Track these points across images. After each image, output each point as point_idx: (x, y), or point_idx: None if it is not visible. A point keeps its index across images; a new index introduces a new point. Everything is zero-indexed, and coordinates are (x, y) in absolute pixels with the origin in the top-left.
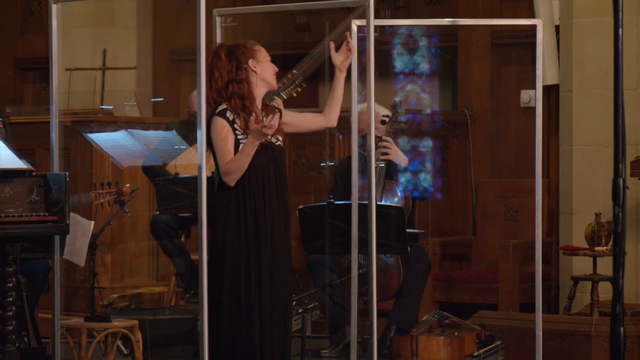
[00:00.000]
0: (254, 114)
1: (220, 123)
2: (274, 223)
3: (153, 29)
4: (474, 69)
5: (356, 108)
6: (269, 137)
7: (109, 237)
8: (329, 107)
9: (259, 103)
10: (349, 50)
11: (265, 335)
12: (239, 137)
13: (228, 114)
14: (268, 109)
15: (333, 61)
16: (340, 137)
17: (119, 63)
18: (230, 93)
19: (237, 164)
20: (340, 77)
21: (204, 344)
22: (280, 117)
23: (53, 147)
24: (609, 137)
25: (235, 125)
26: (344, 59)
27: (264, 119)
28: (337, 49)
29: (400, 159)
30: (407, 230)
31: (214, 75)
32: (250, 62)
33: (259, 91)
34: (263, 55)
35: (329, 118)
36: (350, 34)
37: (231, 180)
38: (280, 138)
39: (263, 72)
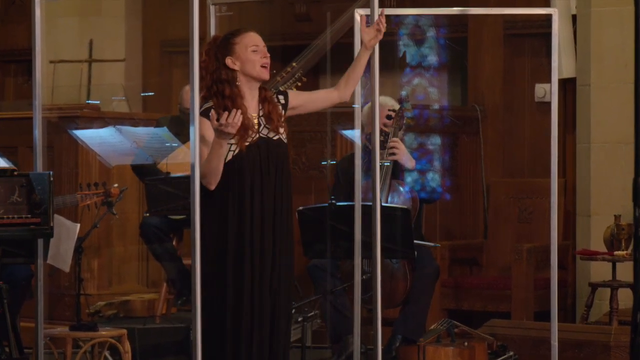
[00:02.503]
0: (212, 112)
1: (201, 123)
2: (263, 224)
3: (143, 19)
4: (485, 61)
5: (360, 103)
6: (264, 133)
7: (95, 241)
8: (346, 81)
9: (251, 99)
10: (379, 30)
11: (243, 344)
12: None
13: (212, 113)
14: (266, 102)
15: (361, 37)
16: (347, 134)
17: (106, 55)
18: (214, 92)
19: (208, 166)
20: (364, 55)
21: (197, 355)
22: (286, 106)
23: (36, 144)
24: (629, 134)
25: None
26: (372, 37)
27: (260, 117)
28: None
29: (408, 161)
30: (420, 241)
31: (200, 73)
32: (227, 60)
33: (247, 87)
34: (243, 47)
35: (343, 92)
36: (363, 21)
37: (207, 183)
38: (281, 130)
39: (244, 67)
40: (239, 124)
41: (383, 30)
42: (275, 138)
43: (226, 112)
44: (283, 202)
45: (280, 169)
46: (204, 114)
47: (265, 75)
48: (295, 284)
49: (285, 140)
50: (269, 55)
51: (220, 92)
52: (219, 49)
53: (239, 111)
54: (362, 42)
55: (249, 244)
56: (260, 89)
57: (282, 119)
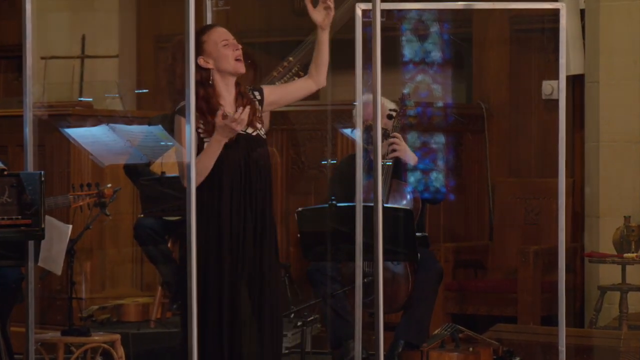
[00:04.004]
0: (222, 108)
1: (180, 122)
2: (245, 227)
3: (137, 13)
4: (491, 57)
5: (361, 101)
6: (243, 129)
7: (88, 243)
8: (316, 68)
9: (227, 95)
10: (327, 7)
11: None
12: (201, 135)
13: (221, 111)
14: (242, 97)
15: (313, 19)
16: (348, 133)
17: (99, 51)
18: None
19: (199, 166)
20: (324, 36)
21: None
22: (262, 102)
23: (27, 143)
24: (639, 133)
25: (199, 123)
26: (324, 16)
27: (238, 110)
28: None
29: (410, 157)
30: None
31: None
32: (199, 60)
33: (223, 84)
34: (213, 44)
35: (317, 78)
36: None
37: None
38: (259, 126)
39: (218, 64)
40: (247, 120)
41: (331, 5)
42: (254, 134)
43: (240, 108)
44: (262, 198)
45: (261, 165)
46: (181, 112)
47: (241, 68)
48: (294, 288)
49: (264, 136)
50: (240, 46)
51: (195, 92)
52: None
53: (248, 107)
54: (315, 23)
55: (227, 244)
56: (235, 84)
57: (258, 114)
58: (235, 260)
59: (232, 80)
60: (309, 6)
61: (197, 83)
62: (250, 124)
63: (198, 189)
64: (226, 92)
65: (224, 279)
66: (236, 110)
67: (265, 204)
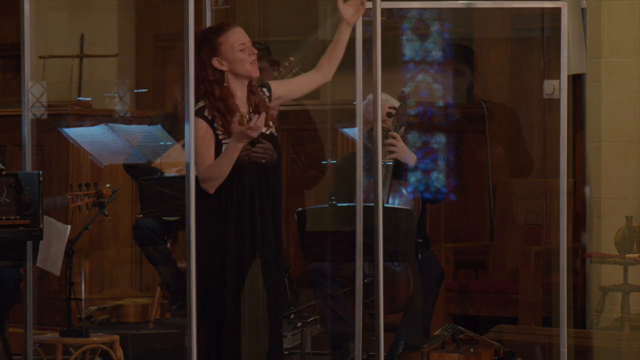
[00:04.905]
0: (237, 114)
1: (197, 124)
2: (263, 227)
3: (136, 12)
4: (492, 56)
5: (361, 100)
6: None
7: (87, 243)
8: (329, 61)
9: (241, 96)
10: (362, 3)
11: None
12: (219, 137)
13: (206, 112)
14: (253, 95)
15: (342, 13)
16: (348, 133)
17: (98, 50)
18: (204, 92)
19: (217, 170)
20: (346, 32)
21: None
22: (270, 98)
23: (25, 143)
24: None
25: (215, 125)
26: (354, 11)
27: (250, 113)
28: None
29: (409, 157)
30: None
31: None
32: (214, 61)
33: (237, 84)
34: (229, 47)
35: (326, 72)
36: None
37: (210, 187)
38: (271, 123)
39: (233, 67)
40: (262, 126)
41: (365, 3)
42: (267, 133)
43: (256, 116)
44: (274, 197)
45: (272, 168)
46: (198, 113)
47: (255, 72)
48: (294, 288)
49: (276, 134)
50: (256, 50)
51: (210, 92)
52: (203, 49)
53: (263, 114)
54: (343, 17)
55: (249, 242)
56: (247, 84)
57: (271, 112)
58: (263, 260)
59: (245, 82)
60: (339, 0)
61: (212, 83)
62: (265, 123)
63: (218, 191)
64: (240, 92)
65: (245, 279)
66: (249, 109)
67: (279, 202)
